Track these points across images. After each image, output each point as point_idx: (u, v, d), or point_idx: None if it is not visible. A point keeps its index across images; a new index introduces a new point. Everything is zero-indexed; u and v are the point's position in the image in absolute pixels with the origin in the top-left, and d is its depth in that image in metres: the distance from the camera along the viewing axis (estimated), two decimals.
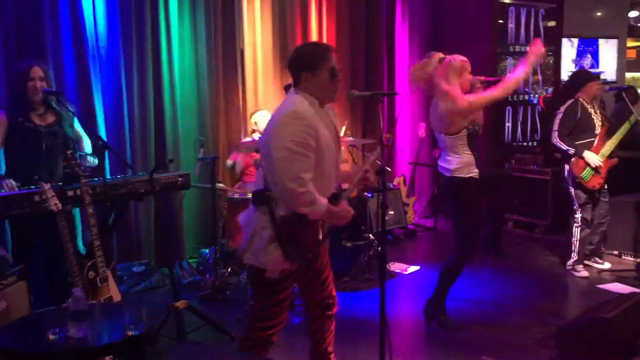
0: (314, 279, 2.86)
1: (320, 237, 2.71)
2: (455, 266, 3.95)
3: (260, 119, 5.45)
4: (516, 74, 3.79)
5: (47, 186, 3.25)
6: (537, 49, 3.77)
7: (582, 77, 5.23)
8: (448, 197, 4.00)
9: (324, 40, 6.55)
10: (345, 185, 2.97)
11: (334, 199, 2.72)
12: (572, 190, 5.11)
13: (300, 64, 2.67)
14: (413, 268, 5.45)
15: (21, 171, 3.67)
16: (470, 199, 3.83)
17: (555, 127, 5.08)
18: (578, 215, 5.11)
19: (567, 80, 5.58)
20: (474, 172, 3.83)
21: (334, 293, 2.96)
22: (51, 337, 2.33)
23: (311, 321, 2.96)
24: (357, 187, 2.93)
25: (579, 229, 5.12)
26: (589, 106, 5.06)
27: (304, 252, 2.64)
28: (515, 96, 7.29)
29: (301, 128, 2.52)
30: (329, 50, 2.71)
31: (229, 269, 4.89)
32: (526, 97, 7.41)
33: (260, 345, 2.78)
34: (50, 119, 3.83)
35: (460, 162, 3.81)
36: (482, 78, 3.96)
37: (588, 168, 4.96)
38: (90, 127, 4.50)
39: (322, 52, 2.67)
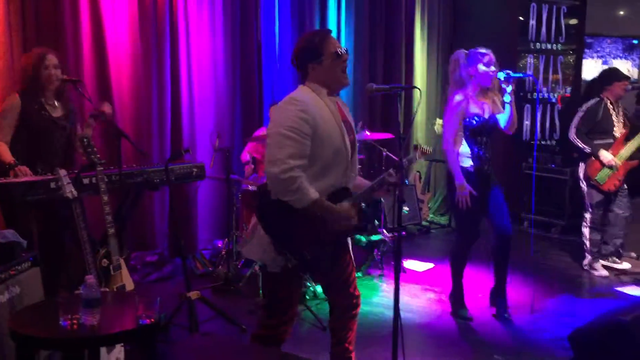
0: (336, 279, 2.74)
1: (324, 237, 2.54)
2: (453, 254, 4.15)
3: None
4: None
5: (63, 173, 3.24)
6: None
7: (612, 75, 5.14)
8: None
9: (342, 35, 6.51)
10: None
11: (341, 195, 2.60)
12: (585, 189, 5.08)
13: (303, 57, 2.62)
14: (427, 265, 5.41)
15: (26, 162, 3.55)
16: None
17: (575, 123, 5.06)
18: (588, 216, 5.11)
19: (596, 77, 5.46)
20: (467, 164, 3.97)
21: (358, 292, 2.82)
22: (63, 323, 2.33)
23: (334, 319, 2.84)
24: (367, 195, 2.76)
25: (588, 229, 5.13)
26: (611, 107, 5.01)
27: (299, 249, 2.51)
28: (534, 94, 7.19)
29: (295, 113, 2.46)
30: (325, 34, 2.66)
31: (242, 261, 4.89)
32: (545, 95, 7.31)
33: (269, 343, 2.69)
34: (61, 112, 3.77)
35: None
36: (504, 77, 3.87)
37: (603, 170, 4.91)
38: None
39: (320, 38, 2.61)
